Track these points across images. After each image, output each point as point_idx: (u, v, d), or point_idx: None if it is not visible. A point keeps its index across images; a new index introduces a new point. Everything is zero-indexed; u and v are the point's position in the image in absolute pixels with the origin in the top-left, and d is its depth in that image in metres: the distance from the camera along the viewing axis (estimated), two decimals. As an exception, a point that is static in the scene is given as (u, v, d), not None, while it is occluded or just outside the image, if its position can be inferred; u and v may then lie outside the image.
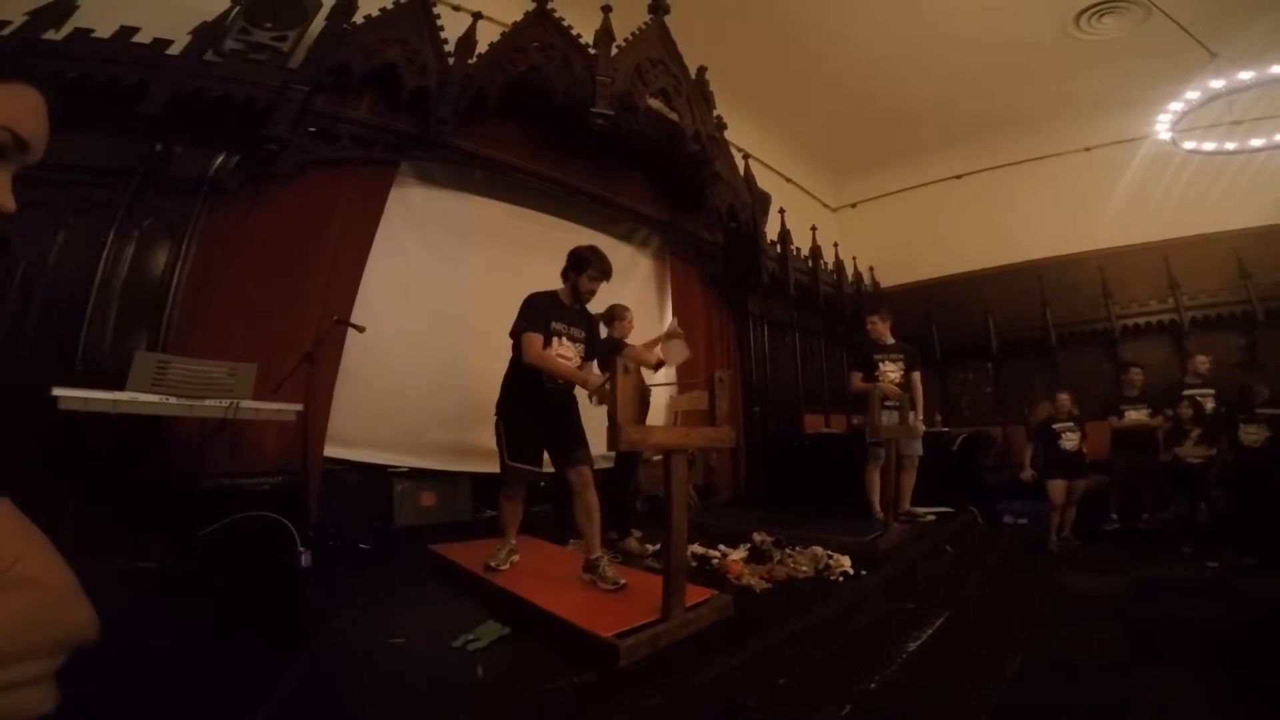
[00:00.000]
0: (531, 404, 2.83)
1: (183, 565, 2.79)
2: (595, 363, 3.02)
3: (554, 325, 2.81)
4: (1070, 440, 5.25)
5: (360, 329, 3.63)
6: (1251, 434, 4.81)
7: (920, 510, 4.64)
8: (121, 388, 2.75)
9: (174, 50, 3.56)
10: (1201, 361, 5.47)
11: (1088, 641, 3.02)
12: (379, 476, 4.14)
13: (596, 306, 4.17)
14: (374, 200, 4.22)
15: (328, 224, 3.99)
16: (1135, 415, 5.43)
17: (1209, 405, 5.25)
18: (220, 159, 3.63)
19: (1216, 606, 3.47)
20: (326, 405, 3.80)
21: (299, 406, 3.26)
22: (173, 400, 2.85)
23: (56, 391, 2.56)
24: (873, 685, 1.95)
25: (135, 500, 2.90)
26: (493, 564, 2.83)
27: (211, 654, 1.96)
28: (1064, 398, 5.45)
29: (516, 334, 2.80)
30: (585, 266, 2.88)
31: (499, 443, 2.86)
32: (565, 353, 2.83)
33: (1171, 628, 3.18)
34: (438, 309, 4.55)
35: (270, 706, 1.59)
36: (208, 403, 2.94)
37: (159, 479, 3.07)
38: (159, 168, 3.50)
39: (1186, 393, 5.29)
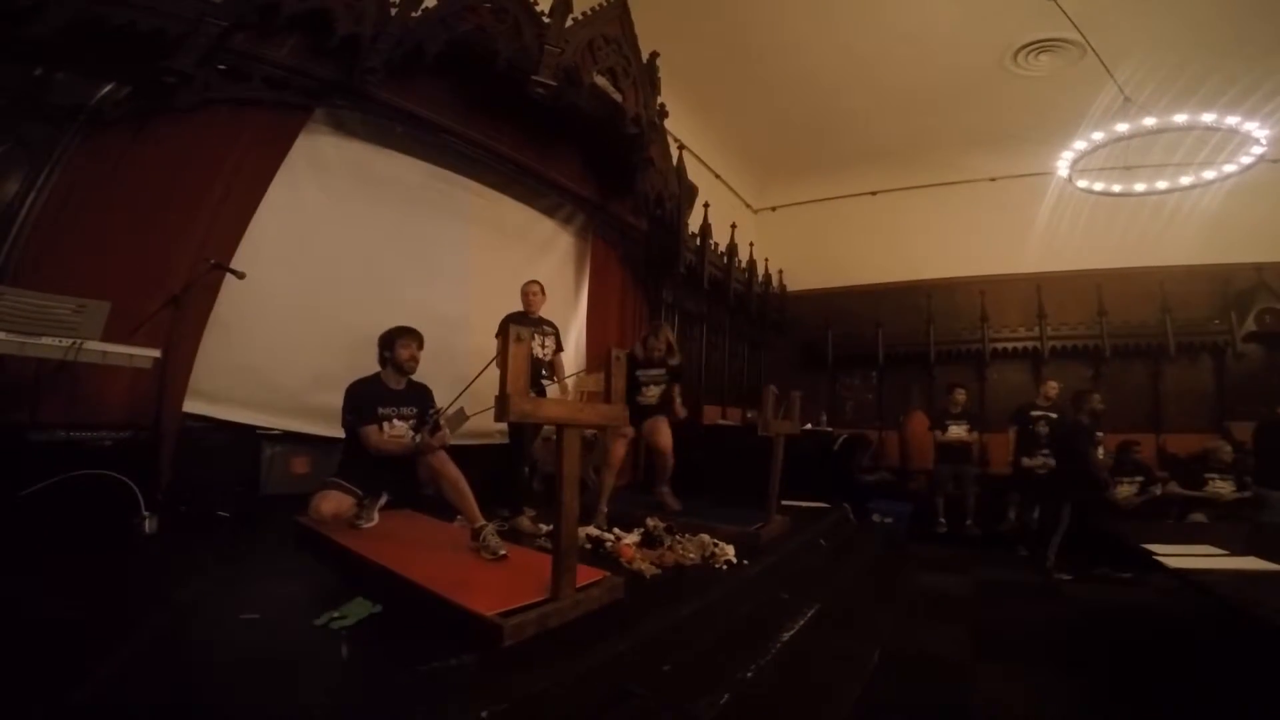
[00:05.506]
0: (371, 468, 3.06)
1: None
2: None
3: (380, 411, 3.04)
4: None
5: (239, 275, 3.28)
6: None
7: None
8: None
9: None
10: (1052, 387, 6.10)
11: (940, 637, 3.30)
12: (247, 438, 3.75)
13: (513, 281, 4.04)
14: (278, 144, 3.81)
15: (220, 165, 3.56)
16: (956, 430, 6.34)
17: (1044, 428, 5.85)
18: (108, 89, 3.19)
19: (1049, 608, 3.89)
20: (191, 355, 3.39)
21: (156, 353, 2.89)
22: (0, 335, 2.44)
23: None
24: (749, 674, 2.01)
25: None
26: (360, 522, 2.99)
27: (25, 631, 1.70)
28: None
29: (348, 430, 3.04)
30: (393, 339, 3.12)
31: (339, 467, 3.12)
32: (397, 433, 3.05)
33: (1011, 627, 3.54)
34: (333, 264, 4.17)
35: (90, 689, 1.39)
36: (45, 341, 2.53)
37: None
38: (32, 93, 3.01)
39: (1034, 413, 5.88)
